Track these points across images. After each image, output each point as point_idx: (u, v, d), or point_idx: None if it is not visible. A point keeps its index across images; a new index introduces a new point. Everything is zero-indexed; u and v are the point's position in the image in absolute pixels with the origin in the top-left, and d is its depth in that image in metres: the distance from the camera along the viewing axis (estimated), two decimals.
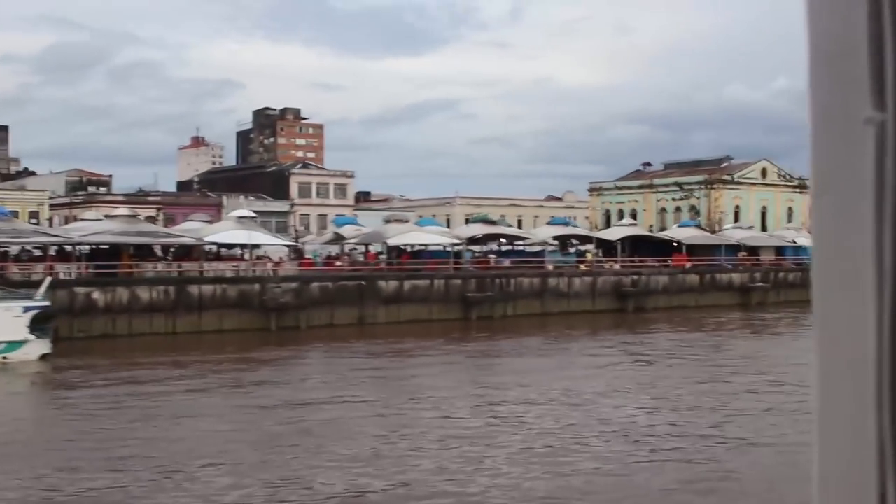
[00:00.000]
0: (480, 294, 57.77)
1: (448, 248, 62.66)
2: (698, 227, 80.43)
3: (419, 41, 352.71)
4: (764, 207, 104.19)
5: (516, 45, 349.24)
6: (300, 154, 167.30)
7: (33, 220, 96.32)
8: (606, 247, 73.44)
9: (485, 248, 68.82)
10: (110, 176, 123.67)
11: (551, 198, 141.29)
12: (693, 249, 73.62)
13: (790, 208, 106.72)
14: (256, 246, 59.53)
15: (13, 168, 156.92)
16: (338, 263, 59.25)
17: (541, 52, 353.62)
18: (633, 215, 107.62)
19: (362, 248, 65.41)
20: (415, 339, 48.24)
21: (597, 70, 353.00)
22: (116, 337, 46.96)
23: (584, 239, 77.08)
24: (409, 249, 65.02)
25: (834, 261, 0.81)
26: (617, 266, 67.93)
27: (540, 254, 66.31)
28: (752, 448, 22.74)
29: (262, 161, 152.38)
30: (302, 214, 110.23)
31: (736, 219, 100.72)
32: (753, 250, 78.43)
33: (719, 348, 46.18)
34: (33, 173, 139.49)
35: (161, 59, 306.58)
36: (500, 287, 59.22)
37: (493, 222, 68.76)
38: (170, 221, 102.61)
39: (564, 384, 32.81)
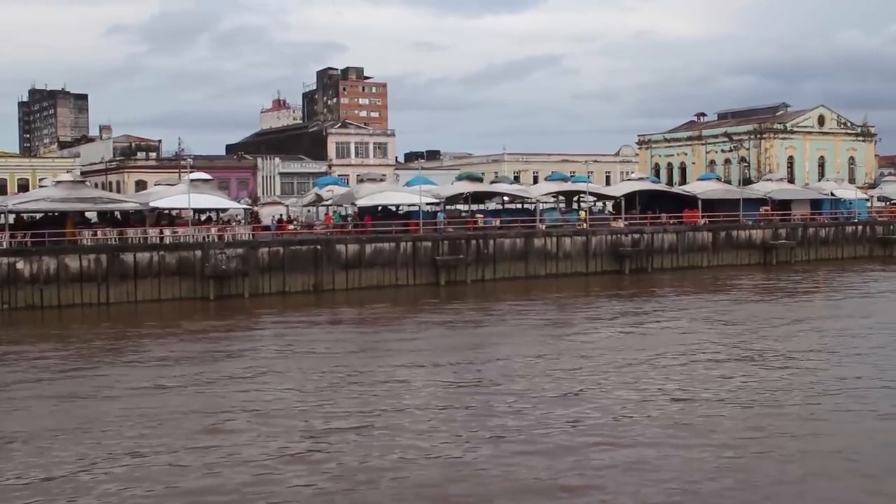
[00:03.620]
0: (452, 257, 54.13)
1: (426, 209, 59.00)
2: (718, 179, 74.75)
3: None
4: (822, 157, 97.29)
5: None
6: (363, 114, 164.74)
7: None
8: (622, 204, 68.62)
9: (479, 207, 64.92)
10: (159, 141, 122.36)
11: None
12: (712, 204, 68.25)
13: (852, 157, 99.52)
14: (223, 210, 57.16)
15: (104, 135, 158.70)
16: (290, 227, 56.25)
17: (641, 3, 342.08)
18: (683, 168, 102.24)
19: (344, 209, 62.13)
20: (357, 307, 45.38)
21: (699, 21, 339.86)
22: (44, 308, 45.09)
23: (602, 196, 72.37)
24: (395, 210, 61.65)
25: None
26: (620, 224, 63.28)
27: (533, 212, 61.97)
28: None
29: (325, 122, 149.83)
30: (340, 175, 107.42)
31: (790, 170, 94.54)
32: (784, 204, 72.46)
33: (699, 315, 41.65)
34: (91, 140, 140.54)
35: (264, 24, 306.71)
36: (476, 249, 55.42)
37: (478, 179, 64.67)
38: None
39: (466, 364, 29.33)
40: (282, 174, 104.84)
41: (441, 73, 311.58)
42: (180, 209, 52.16)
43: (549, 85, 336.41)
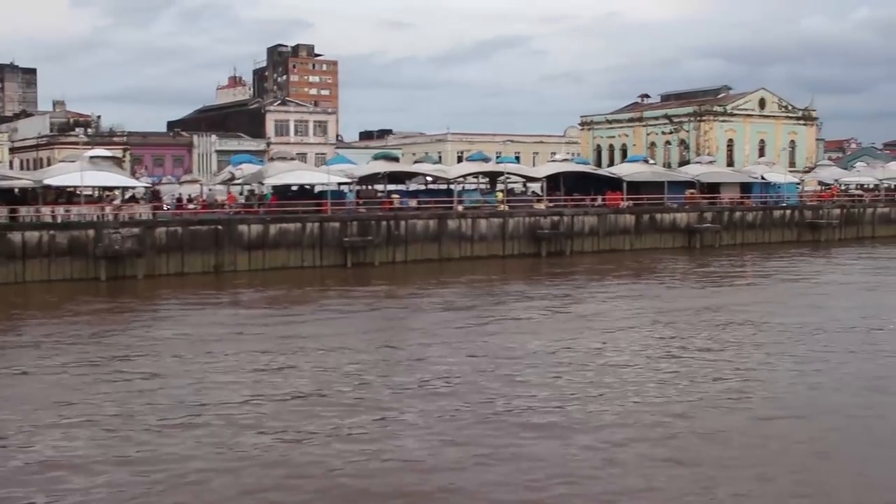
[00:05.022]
0: (360, 238, 52.84)
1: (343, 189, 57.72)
2: (645, 161, 73.72)
3: None
4: (762, 141, 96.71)
5: None
6: (313, 92, 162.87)
7: None
8: (551, 185, 67.38)
9: (397, 187, 63.59)
10: (99, 117, 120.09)
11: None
12: (639, 187, 67.22)
13: (792, 141, 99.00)
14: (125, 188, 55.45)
15: (58, 110, 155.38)
16: (190, 206, 54.72)
17: None
18: (624, 150, 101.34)
19: (251, 188, 60.54)
20: (252, 288, 44.06)
21: (668, 3, 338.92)
22: None
23: (528, 178, 71.04)
24: (311, 189, 60.14)
25: None
26: (542, 205, 62.18)
27: (451, 193, 60.68)
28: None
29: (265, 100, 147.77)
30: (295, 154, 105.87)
31: (729, 153, 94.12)
32: (714, 187, 71.64)
33: (585, 299, 40.68)
34: (31, 115, 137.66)
35: (230, 0, 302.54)
36: (386, 230, 54.16)
37: (395, 159, 63.32)
38: (137, 162, 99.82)
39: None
40: (218, 152, 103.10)
41: (409, 52, 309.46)
42: (75, 187, 50.34)
43: (517, 66, 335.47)
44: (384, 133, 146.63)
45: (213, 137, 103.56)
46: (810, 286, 46.10)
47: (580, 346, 28.52)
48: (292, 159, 58.58)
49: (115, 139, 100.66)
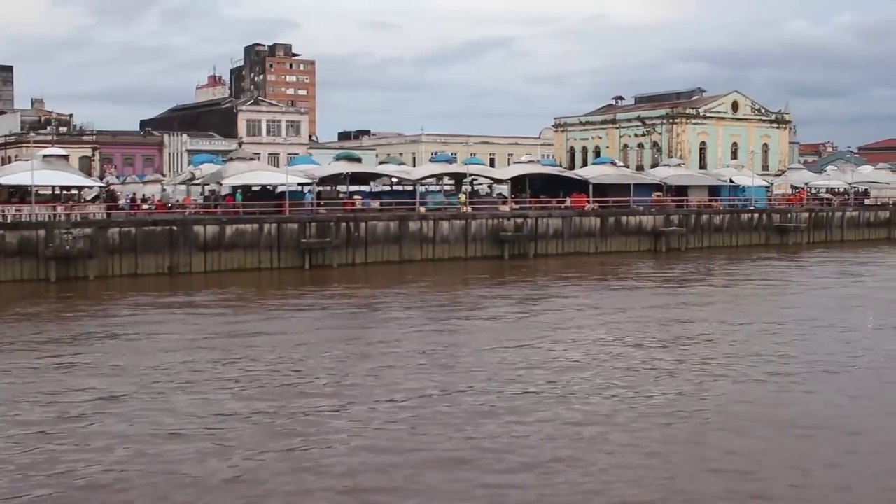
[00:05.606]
0: (318, 240, 52.20)
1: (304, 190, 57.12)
2: (613, 164, 73.23)
3: None
4: (735, 143, 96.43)
5: None
6: (291, 91, 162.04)
7: None
8: (517, 187, 66.92)
9: (359, 188, 62.98)
10: (70, 115, 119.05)
11: None
12: (606, 189, 66.78)
13: (765, 144, 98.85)
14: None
15: (36, 108, 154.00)
16: (145, 206, 53.98)
17: None
18: (597, 152, 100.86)
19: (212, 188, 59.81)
20: (206, 290, 43.32)
21: (651, 6, 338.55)
22: None
23: (495, 180, 70.55)
24: (273, 190, 59.50)
25: None
26: (506, 207, 61.67)
27: (414, 194, 60.08)
28: None
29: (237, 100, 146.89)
30: (253, 154, 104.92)
31: (702, 155, 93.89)
32: (681, 190, 71.26)
33: (535, 305, 40.19)
34: (3, 113, 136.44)
35: None
36: (346, 232, 53.54)
37: (357, 160, 62.67)
38: (107, 161, 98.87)
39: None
40: (189, 151, 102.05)
41: (394, 53, 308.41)
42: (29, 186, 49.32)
43: (502, 67, 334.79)
44: (361, 134, 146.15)
45: (185, 137, 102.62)
46: (771, 291, 45.78)
47: (532, 351, 27.98)
48: (251, 159, 57.94)
49: (85, 138, 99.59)
